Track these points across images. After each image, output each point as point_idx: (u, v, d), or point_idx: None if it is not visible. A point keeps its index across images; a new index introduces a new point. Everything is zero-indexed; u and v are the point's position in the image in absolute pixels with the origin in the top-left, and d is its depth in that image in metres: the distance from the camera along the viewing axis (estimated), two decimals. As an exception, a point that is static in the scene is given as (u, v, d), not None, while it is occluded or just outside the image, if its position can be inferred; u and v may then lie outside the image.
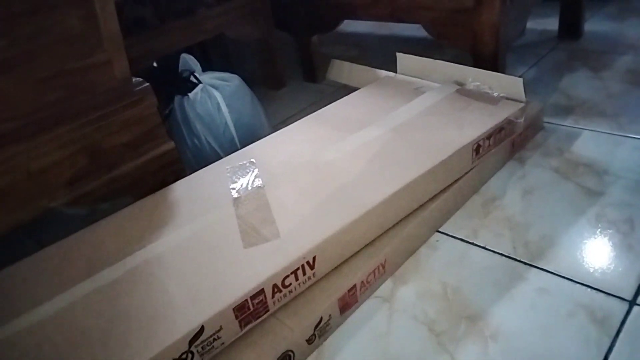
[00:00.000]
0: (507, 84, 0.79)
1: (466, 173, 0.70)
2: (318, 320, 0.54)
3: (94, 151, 0.68)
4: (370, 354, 0.53)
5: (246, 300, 0.50)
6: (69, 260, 0.59)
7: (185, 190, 0.70)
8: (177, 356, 0.46)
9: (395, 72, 0.95)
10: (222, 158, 0.78)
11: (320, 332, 0.54)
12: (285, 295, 0.53)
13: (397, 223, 0.63)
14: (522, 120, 0.76)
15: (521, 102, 0.77)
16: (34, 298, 0.53)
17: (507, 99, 0.78)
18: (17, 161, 0.61)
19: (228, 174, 0.70)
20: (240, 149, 0.80)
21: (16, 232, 0.65)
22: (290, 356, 0.52)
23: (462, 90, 0.82)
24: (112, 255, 0.58)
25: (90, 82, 0.66)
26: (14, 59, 0.58)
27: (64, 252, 0.61)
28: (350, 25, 1.49)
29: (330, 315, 0.55)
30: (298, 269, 0.53)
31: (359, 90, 0.91)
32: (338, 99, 0.88)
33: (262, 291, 0.51)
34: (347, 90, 0.93)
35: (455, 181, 0.69)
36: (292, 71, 1.24)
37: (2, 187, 0.60)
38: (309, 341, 0.53)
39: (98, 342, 0.46)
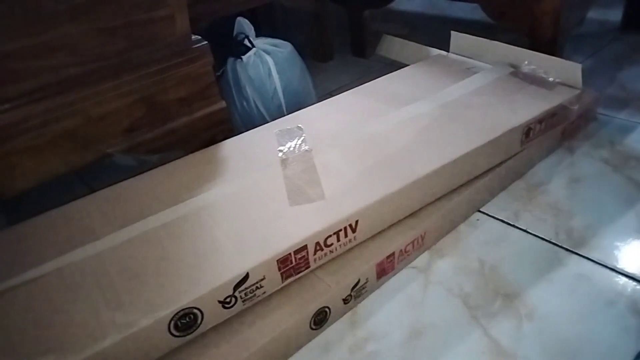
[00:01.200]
0: (564, 69, 0.77)
1: (513, 155, 0.70)
2: (355, 281, 0.55)
3: (151, 103, 0.71)
4: (403, 319, 0.54)
5: (289, 254, 0.52)
6: (121, 203, 0.62)
7: (234, 148, 0.72)
8: (221, 299, 0.49)
9: (447, 51, 0.93)
10: (268, 122, 0.80)
11: (356, 293, 0.56)
12: (325, 255, 0.55)
13: (439, 198, 0.64)
14: (576, 107, 0.74)
15: (577, 89, 0.75)
16: (90, 234, 0.56)
17: (563, 84, 0.76)
18: (80, 106, 0.64)
19: (276, 137, 0.72)
20: (287, 115, 0.81)
21: (69, 177, 0.69)
22: (326, 312, 0.54)
23: (516, 73, 0.80)
24: (163, 201, 0.60)
25: (152, 35, 0.68)
26: (83, 7, 0.61)
27: (116, 196, 0.64)
28: (401, 4, 1.47)
29: (367, 278, 0.56)
30: (340, 230, 0.55)
31: (409, 66, 0.90)
32: (385, 75, 0.88)
33: (304, 247, 0.52)
34: (395, 67, 0.92)
35: (501, 163, 0.69)
36: (340, 45, 1.24)
37: (65, 129, 0.64)
38: (345, 301, 0.55)
39: (149, 278, 0.49)
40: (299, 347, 0.53)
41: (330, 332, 0.54)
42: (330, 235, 0.54)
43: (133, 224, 0.57)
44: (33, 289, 0.49)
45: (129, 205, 0.61)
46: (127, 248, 0.53)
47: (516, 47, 0.84)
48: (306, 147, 0.67)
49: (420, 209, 0.62)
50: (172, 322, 0.46)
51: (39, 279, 0.51)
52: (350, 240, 0.56)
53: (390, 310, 0.56)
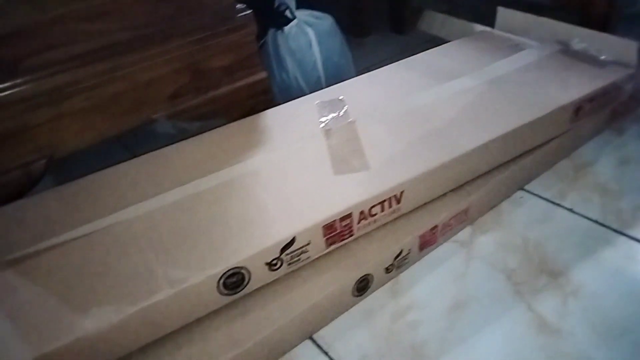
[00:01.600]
0: (617, 47, 0.74)
1: (561, 134, 0.68)
2: (398, 252, 0.55)
3: (195, 70, 0.71)
4: (445, 291, 0.54)
5: (335, 220, 0.52)
6: (167, 167, 0.63)
7: (276, 118, 0.72)
8: (268, 261, 0.49)
9: (492, 28, 0.91)
10: (306, 95, 0.79)
11: (398, 263, 0.56)
12: (369, 224, 0.55)
13: (484, 173, 0.63)
14: (629, 87, 0.72)
15: (631, 68, 0.72)
16: (139, 195, 0.58)
17: (615, 63, 0.74)
18: (128, 70, 0.65)
19: (317, 108, 0.72)
20: (325, 88, 0.81)
21: (111, 142, 0.70)
22: (368, 280, 0.54)
23: (565, 50, 0.78)
24: (208, 167, 0.61)
25: (199, 2, 0.69)
26: (134, -28, 0.62)
27: (162, 161, 0.65)
28: (441, -20, 1.43)
29: (410, 249, 0.56)
30: (385, 200, 0.55)
31: (453, 42, 0.88)
32: (427, 50, 0.86)
33: (350, 215, 0.53)
34: (435, 44, 0.90)
35: (548, 141, 0.67)
36: (378, 21, 1.22)
37: (113, 93, 0.65)
38: (387, 270, 0.55)
39: (199, 237, 0.50)
40: (341, 313, 0.54)
41: (371, 299, 0.55)
42: (375, 205, 0.54)
43: (180, 186, 0.58)
44: (87, 243, 0.51)
45: (175, 170, 0.62)
46: (176, 209, 0.54)
47: (566, 24, 0.81)
48: (349, 119, 0.67)
49: (464, 184, 0.62)
50: (221, 281, 0.47)
51: (93, 234, 0.52)
52: (394, 211, 0.56)
53: (432, 282, 0.56)
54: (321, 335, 0.52)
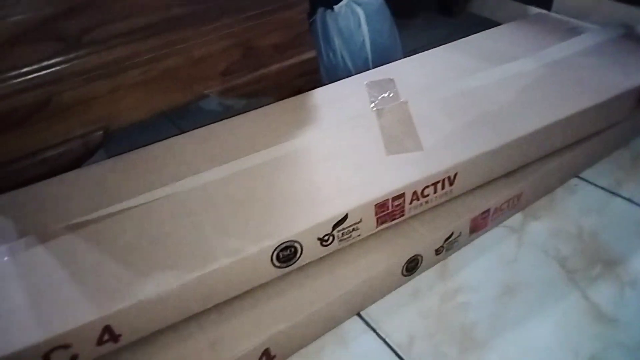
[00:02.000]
0: (686, 33, 0.70)
1: (620, 122, 0.66)
2: (449, 234, 0.55)
3: (247, 47, 0.72)
4: (495, 276, 0.54)
5: (387, 199, 0.52)
6: (218, 142, 0.64)
7: (324, 98, 0.72)
8: (320, 236, 0.50)
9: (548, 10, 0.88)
10: (353, 75, 0.79)
11: (448, 246, 0.56)
12: (421, 205, 0.55)
13: (538, 159, 0.61)
14: (697, 74, 0.68)
15: (700, 54, 0.69)
16: (193, 167, 0.59)
17: (683, 49, 0.70)
18: (184, 45, 0.66)
19: (366, 88, 0.71)
20: (372, 69, 0.80)
21: (158, 117, 0.72)
22: (418, 261, 0.54)
23: (629, 35, 0.74)
24: (259, 143, 0.62)
25: (254, -22, 0.69)
26: (192, -53, 0.62)
27: (212, 136, 0.66)
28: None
29: (460, 232, 0.56)
30: (438, 182, 0.54)
31: (506, 24, 0.86)
32: (479, 33, 0.84)
33: (402, 195, 0.52)
34: (485, 27, 0.88)
35: (606, 128, 0.65)
36: (426, 2, 1.19)
37: (169, 67, 0.66)
38: (437, 252, 0.55)
39: (253, 211, 0.51)
40: (389, 291, 0.54)
41: (420, 280, 0.55)
42: (427, 186, 0.54)
43: (232, 161, 0.59)
44: (144, 212, 0.53)
45: (226, 145, 0.63)
46: (229, 182, 0.55)
47: (631, 6, 0.77)
48: (401, 99, 0.66)
49: (517, 169, 0.60)
50: (275, 253, 0.48)
51: (149, 204, 0.54)
52: (446, 193, 0.55)
53: (482, 266, 0.55)
54: (369, 312, 0.52)
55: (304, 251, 0.50)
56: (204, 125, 0.70)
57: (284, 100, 0.74)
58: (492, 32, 0.84)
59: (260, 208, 0.51)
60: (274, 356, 0.48)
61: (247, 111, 0.73)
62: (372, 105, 0.66)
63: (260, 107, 0.74)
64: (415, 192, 0.53)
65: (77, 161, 0.65)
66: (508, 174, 0.60)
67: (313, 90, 0.75)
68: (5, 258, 0.49)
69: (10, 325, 0.42)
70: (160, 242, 0.49)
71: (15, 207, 0.57)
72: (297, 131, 0.63)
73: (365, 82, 0.73)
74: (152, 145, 0.66)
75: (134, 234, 0.50)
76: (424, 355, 0.47)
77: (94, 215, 0.53)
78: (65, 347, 0.42)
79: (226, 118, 0.72)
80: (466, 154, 0.55)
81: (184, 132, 0.70)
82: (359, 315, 0.52)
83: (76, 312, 0.43)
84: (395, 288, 0.54)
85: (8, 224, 0.54)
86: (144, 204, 0.54)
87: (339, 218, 0.50)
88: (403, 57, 0.86)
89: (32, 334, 0.41)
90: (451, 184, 0.55)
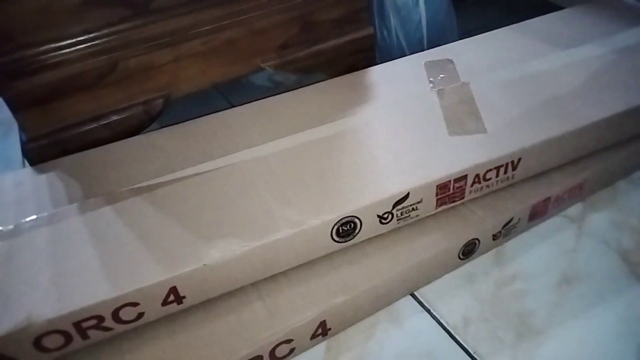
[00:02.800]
0: None
1: (694, 114, 0.63)
2: (508, 219, 0.54)
3: (306, 22, 0.71)
4: (554, 265, 0.53)
5: (449, 181, 0.51)
6: (274, 116, 0.64)
7: (380, 76, 0.71)
8: (380, 213, 0.50)
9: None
10: (406, 55, 0.77)
11: (506, 231, 0.55)
12: (482, 188, 0.54)
13: (604, 149, 0.59)
14: None
15: None
16: (251, 139, 0.59)
17: None
18: (246, 17, 0.66)
19: (424, 68, 0.70)
20: (427, 50, 0.78)
21: (211, 90, 0.72)
22: (475, 244, 0.53)
23: None
24: (317, 118, 0.62)
25: (317, -49, 0.68)
26: None
27: (267, 110, 0.66)
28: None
29: (519, 219, 0.55)
30: (502, 166, 0.53)
31: (570, 8, 0.82)
32: (532, 17, 0.81)
33: (464, 177, 0.52)
34: (544, 10, 0.84)
35: (678, 120, 0.62)
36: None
37: (229, 39, 0.66)
38: (495, 237, 0.55)
39: (314, 184, 0.51)
40: (444, 274, 0.54)
41: (475, 264, 0.54)
42: (490, 170, 0.53)
43: (291, 135, 0.59)
44: (207, 180, 0.54)
45: (283, 119, 0.63)
46: (290, 156, 0.56)
47: None
48: (462, 80, 0.65)
49: (581, 158, 0.59)
50: (335, 227, 0.48)
51: (211, 172, 0.55)
52: (508, 178, 0.54)
53: (539, 254, 0.54)
54: (423, 293, 0.52)
55: (362, 227, 0.50)
56: (255, 100, 0.71)
57: (338, 77, 0.73)
58: (555, 15, 0.80)
59: (320, 182, 0.51)
60: (330, 329, 0.49)
61: (298, 88, 0.74)
62: (431, 85, 0.65)
63: (312, 83, 0.73)
64: (477, 175, 0.52)
65: (138, 128, 0.66)
66: (571, 162, 0.58)
67: (368, 69, 0.74)
68: (74, 217, 0.51)
69: (82, 280, 0.44)
70: (223, 210, 0.50)
71: (81, 169, 0.59)
72: (354, 108, 0.63)
73: (423, 62, 0.72)
74: (207, 117, 0.67)
75: (197, 201, 0.51)
76: (479, 338, 0.47)
77: (158, 180, 0.54)
78: (134, 304, 0.44)
79: (276, 94, 0.72)
80: (531, 139, 0.54)
81: (234, 106, 0.71)
82: (412, 295, 0.53)
83: (144, 273, 0.44)
84: (450, 271, 0.54)
85: (75, 184, 0.56)
86: (205, 172, 0.55)
87: (400, 196, 0.50)
88: (458, 39, 0.84)
89: (103, 290, 0.43)
90: (514, 169, 0.54)
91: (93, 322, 0.43)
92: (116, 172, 0.57)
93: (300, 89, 0.72)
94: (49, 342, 0.42)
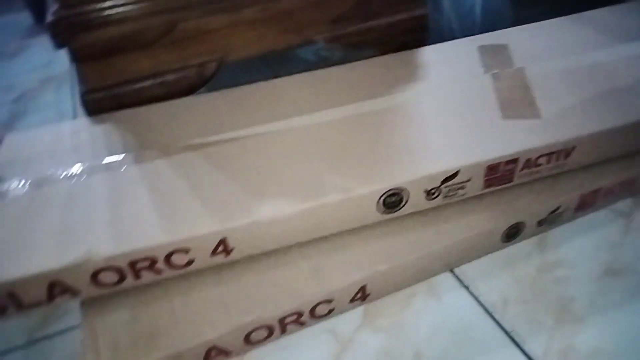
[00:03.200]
0: None
1: None
2: (555, 207, 0.54)
3: (361, -4, 0.71)
4: (598, 256, 0.52)
5: (500, 163, 0.51)
6: (324, 88, 0.65)
7: (432, 57, 0.71)
8: (428, 188, 0.50)
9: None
10: (456, 39, 0.76)
11: (552, 219, 0.55)
12: (531, 173, 0.53)
13: (660, 145, 0.58)
14: None
15: None
16: (301, 107, 0.60)
17: None
18: (303, -14, 0.67)
19: (479, 52, 0.69)
20: (478, 34, 0.77)
21: (256, 60, 0.73)
22: (519, 228, 0.53)
23: None
24: (367, 92, 0.62)
25: None
26: None
27: (316, 82, 0.67)
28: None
29: (567, 207, 0.54)
30: (554, 153, 0.52)
31: (631, 1, 0.80)
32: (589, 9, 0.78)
33: (516, 160, 0.51)
34: (601, 2, 0.82)
35: None
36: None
37: (285, 9, 0.67)
38: (540, 223, 0.54)
39: (363, 154, 0.52)
40: (485, 254, 0.54)
41: (517, 248, 0.54)
42: (542, 155, 0.52)
43: (341, 106, 0.60)
44: (258, 143, 0.55)
45: (332, 91, 0.64)
46: (340, 126, 0.56)
47: None
48: (518, 65, 0.64)
49: (636, 152, 0.57)
50: (382, 197, 0.49)
51: (262, 135, 0.56)
52: (559, 166, 0.54)
53: (584, 245, 0.54)
54: (462, 271, 0.53)
55: (409, 201, 0.50)
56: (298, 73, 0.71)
57: (388, 55, 0.73)
58: (616, 8, 0.78)
59: (370, 153, 0.52)
60: (369, 294, 0.50)
61: (344, 63, 0.74)
62: (485, 69, 0.64)
63: (360, 59, 0.73)
64: (529, 160, 0.52)
65: (190, 89, 0.68)
66: (625, 156, 0.57)
67: (420, 48, 0.74)
68: (130, 166, 0.53)
69: (138, 224, 0.46)
70: (273, 172, 0.51)
71: (136, 122, 0.61)
72: (404, 85, 0.63)
73: (476, 46, 0.71)
74: (256, 84, 0.68)
75: (249, 161, 0.52)
76: (518, 319, 0.48)
77: (211, 139, 0.56)
78: (185, 251, 0.45)
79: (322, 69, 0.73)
80: (587, 128, 0.53)
81: (278, 76, 0.71)
82: (452, 272, 0.53)
83: (197, 222, 0.46)
84: (492, 252, 0.54)
85: (130, 136, 0.58)
86: (257, 135, 0.56)
87: (450, 173, 0.50)
88: (510, 26, 0.83)
89: (158, 235, 0.45)
90: (566, 157, 0.53)
91: (146, 263, 0.45)
92: (170, 128, 0.59)
93: (349, 64, 0.72)
94: (105, 277, 0.44)
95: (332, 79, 0.67)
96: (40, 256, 0.43)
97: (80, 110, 0.64)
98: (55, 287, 0.44)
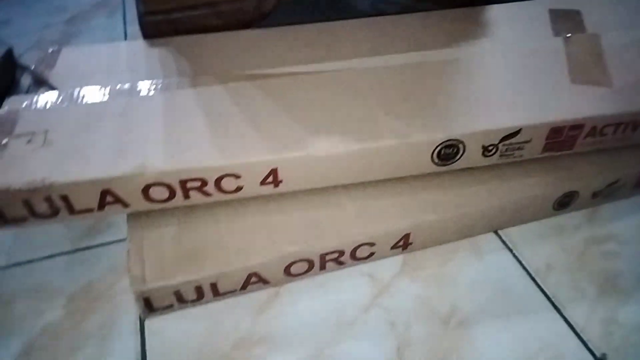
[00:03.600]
0: None
1: None
2: (614, 180, 0.52)
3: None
4: (650, 236, 0.51)
5: (564, 127, 0.49)
6: (388, 33, 0.63)
7: (500, 15, 0.67)
8: (486, 144, 0.49)
9: None
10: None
11: (608, 192, 0.53)
12: (594, 143, 0.51)
13: None
14: None
15: None
16: (361, 50, 0.59)
17: None
18: None
19: (549, 15, 0.66)
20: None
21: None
22: (572, 198, 0.52)
23: None
24: (431, 42, 0.60)
25: None
26: None
27: (381, 27, 0.64)
28: None
29: (625, 182, 0.53)
30: (622, 124, 0.50)
31: None
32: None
33: (581, 127, 0.49)
34: None
35: None
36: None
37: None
38: (595, 195, 0.53)
39: (424, 102, 0.50)
40: (533, 220, 0.53)
41: (566, 218, 0.53)
42: (609, 125, 0.50)
43: (401, 53, 0.58)
44: (316, 80, 0.53)
45: (393, 37, 0.62)
46: (400, 72, 0.55)
47: None
48: (589, 31, 0.61)
49: None
50: (439, 147, 0.48)
51: (319, 74, 0.54)
52: (624, 138, 0.52)
53: (637, 224, 0.52)
54: (508, 233, 0.52)
55: (464, 154, 0.49)
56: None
57: (452, 9, 0.70)
58: None
59: (429, 102, 0.51)
60: (411, 243, 0.50)
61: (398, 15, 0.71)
62: (555, 32, 0.61)
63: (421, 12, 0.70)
64: (594, 128, 0.50)
65: (247, 23, 0.67)
66: (695, 137, 0.54)
67: (486, 6, 0.71)
68: (186, 89, 0.53)
69: (193, 144, 0.46)
70: (330, 109, 0.50)
71: (192, 49, 0.60)
72: (468, 40, 0.61)
73: (546, 9, 0.67)
74: (314, 24, 0.66)
75: (306, 96, 0.51)
76: (560, 285, 0.47)
77: (268, 71, 0.55)
78: (236, 176, 0.45)
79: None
80: (661, 102, 0.50)
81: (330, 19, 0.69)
82: (496, 233, 0.52)
83: (250, 149, 0.46)
84: (540, 219, 0.53)
85: (186, 62, 0.58)
86: (314, 72, 0.55)
87: (511, 131, 0.48)
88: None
89: (211, 156, 0.45)
90: (634, 129, 0.51)
91: (196, 184, 0.45)
92: (226, 57, 0.58)
93: (410, 14, 0.69)
94: (155, 193, 0.45)
95: (392, 26, 0.65)
96: (95, 163, 0.44)
97: (131, 38, 0.64)
98: (107, 196, 0.44)
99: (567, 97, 0.51)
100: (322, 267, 0.48)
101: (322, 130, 0.47)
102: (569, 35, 0.60)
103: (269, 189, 0.47)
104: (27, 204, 0.43)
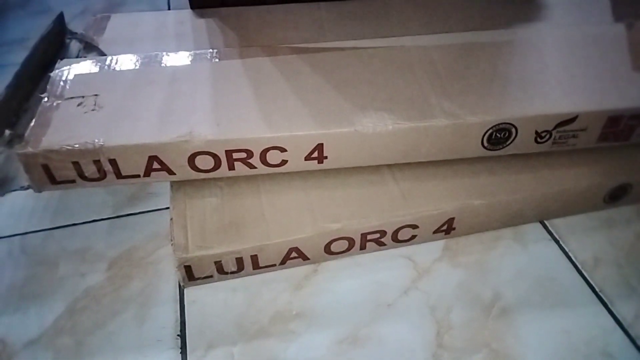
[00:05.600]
0: None
1: None
2: (671, 175, 0.50)
3: None
4: None
5: (624, 116, 0.47)
6: (440, 11, 0.61)
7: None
8: (539, 130, 0.47)
9: None
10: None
11: (663, 187, 0.51)
12: (653, 134, 0.49)
13: None
14: None
15: None
16: (414, 28, 0.57)
17: None
18: None
19: (609, 3, 0.63)
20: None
21: None
22: (626, 191, 0.50)
23: None
24: (486, 22, 0.58)
25: None
26: None
27: (433, 5, 0.63)
28: None
29: (683, 178, 0.50)
30: (686, 115, 0.48)
31: None
32: None
33: (641, 116, 0.47)
34: None
35: None
36: None
37: None
38: (649, 189, 0.51)
39: (476, 84, 0.49)
40: (582, 212, 0.51)
41: (616, 212, 0.51)
42: (671, 116, 0.48)
43: (454, 33, 0.56)
44: (365, 56, 0.52)
45: (447, 17, 0.60)
46: (452, 52, 0.53)
47: None
48: (654, 20, 0.58)
49: None
50: (490, 131, 0.46)
51: (369, 49, 0.53)
52: (686, 131, 0.49)
53: (693, 220, 0.50)
54: (554, 224, 0.50)
55: (516, 139, 0.47)
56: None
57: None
58: None
59: (483, 83, 0.49)
60: (454, 228, 0.49)
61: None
62: (616, 17, 0.59)
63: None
64: (655, 118, 0.48)
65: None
66: None
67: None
68: (234, 59, 0.52)
69: (240, 115, 0.46)
70: (379, 86, 0.49)
71: (239, 20, 0.59)
72: (526, 21, 0.58)
73: (606, -5, 0.64)
74: (365, 1, 0.65)
75: (355, 72, 0.50)
76: (608, 280, 0.45)
77: (316, 45, 0.54)
78: (281, 150, 0.45)
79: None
80: None
81: None
82: (542, 223, 0.51)
83: (297, 123, 0.45)
84: (589, 211, 0.51)
85: (233, 33, 0.57)
86: (364, 48, 0.54)
87: (567, 118, 0.46)
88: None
89: (258, 128, 0.44)
90: (697, 122, 0.49)
91: (242, 155, 0.45)
92: (274, 30, 0.57)
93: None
94: (201, 162, 0.45)
95: (442, 4, 0.63)
96: (144, 129, 0.44)
97: (174, 9, 0.64)
98: (154, 163, 0.45)
99: (628, 85, 0.49)
100: (363, 247, 0.48)
101: (370, 107, 0.46)
102: (631, 21, 0.57)
103: (313, 165, 0.47)
104: (77, 166, 0.43)
